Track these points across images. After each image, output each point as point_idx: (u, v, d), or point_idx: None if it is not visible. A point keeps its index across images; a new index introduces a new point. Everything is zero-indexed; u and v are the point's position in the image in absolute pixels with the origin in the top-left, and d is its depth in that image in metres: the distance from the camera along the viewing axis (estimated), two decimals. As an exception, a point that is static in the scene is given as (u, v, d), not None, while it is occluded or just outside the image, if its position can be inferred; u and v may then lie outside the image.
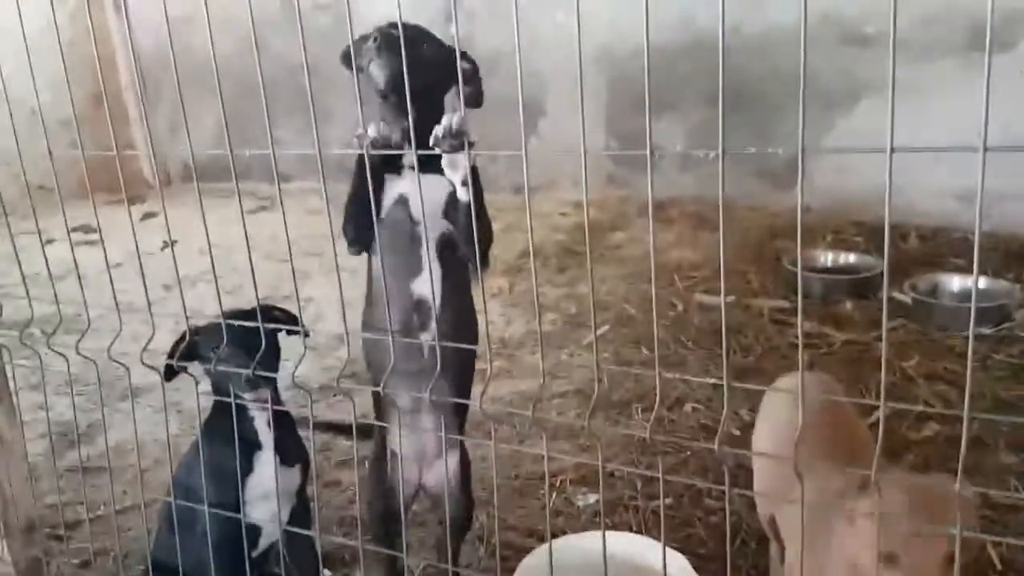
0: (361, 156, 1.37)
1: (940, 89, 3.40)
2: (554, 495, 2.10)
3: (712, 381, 2.44)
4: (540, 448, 2.31)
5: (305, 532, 1.50)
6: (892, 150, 0.77)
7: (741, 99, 3.89)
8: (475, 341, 1.50)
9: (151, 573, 1.52)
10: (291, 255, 1.17)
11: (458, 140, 1.29)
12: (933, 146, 0.80)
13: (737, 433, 2.30)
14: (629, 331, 3.05)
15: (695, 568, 1.52)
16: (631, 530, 1.92)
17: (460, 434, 1.55)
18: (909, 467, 2.00)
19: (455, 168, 1.37)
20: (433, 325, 1.44)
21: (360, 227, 1.40)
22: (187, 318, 1.30)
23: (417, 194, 1.41)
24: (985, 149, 0.71)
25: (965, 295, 2.93)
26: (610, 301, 3.32)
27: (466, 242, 1.42)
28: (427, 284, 1.44)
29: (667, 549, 1.46)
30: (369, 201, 1.13)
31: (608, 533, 1.53)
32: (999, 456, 2.10)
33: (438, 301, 1.45)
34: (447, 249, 1.46)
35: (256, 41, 1.06)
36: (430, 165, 1.35)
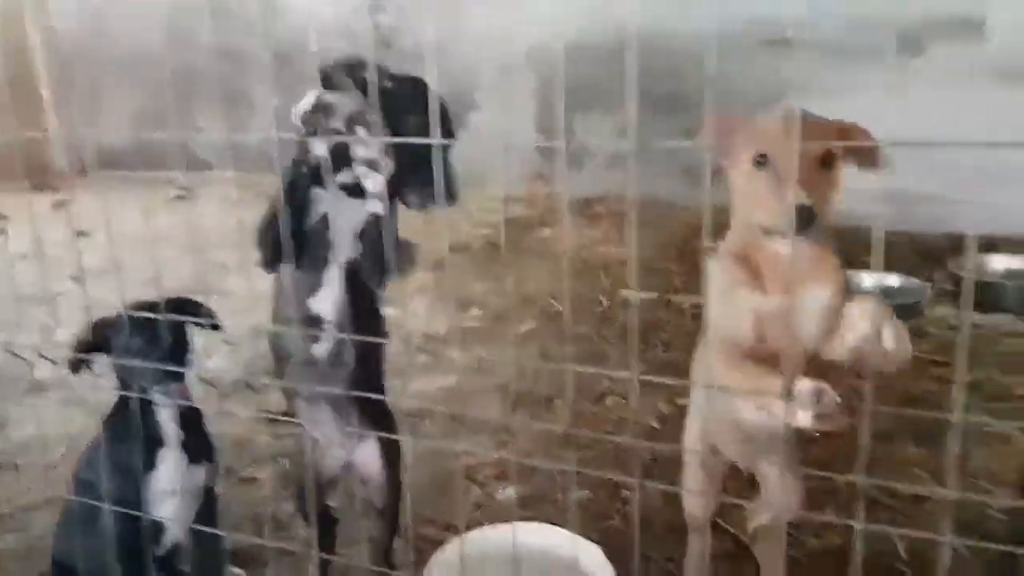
0: (290, 169, 1.39)
1: (866, 92, 3.51)
2: (474, 489, 2.11)
3: (625, 375, 2.47)
4: (463, 444, 2.33)
5: (211, 531, 1.46)
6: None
7: (675, 101, 3.95)
8: (377, 355, 1.50)
9: (52, 572, 1.47)
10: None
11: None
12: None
13: (656, 427, 2.35)
14: (555, 327, 3.08)
15: (611, 560, 1.54)
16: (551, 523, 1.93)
17: (379, 423, 1.54)
18: (815, 462, 2.07)
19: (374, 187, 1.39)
20: (327, 340, 1.45)
21: (277, 247, 1.38)
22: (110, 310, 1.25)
23: (339, 214, 1.42)
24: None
25: (879, 293, 3.03)
26: (537, 297, 3.33)
27: (372, 266, 1.42)
28: (325, 302, 1.45)
29: (582, 541, 1.48)
30: (292, 220, 1.14)
31: (524, 525, 1.54)
32: (906, 449, 2.18)
33: (335, 319, 1.46)
34: (356, 271, 1.47)
35: (178, 28, 1.03)
36: (357, 189, 1.38)
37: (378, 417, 1.53)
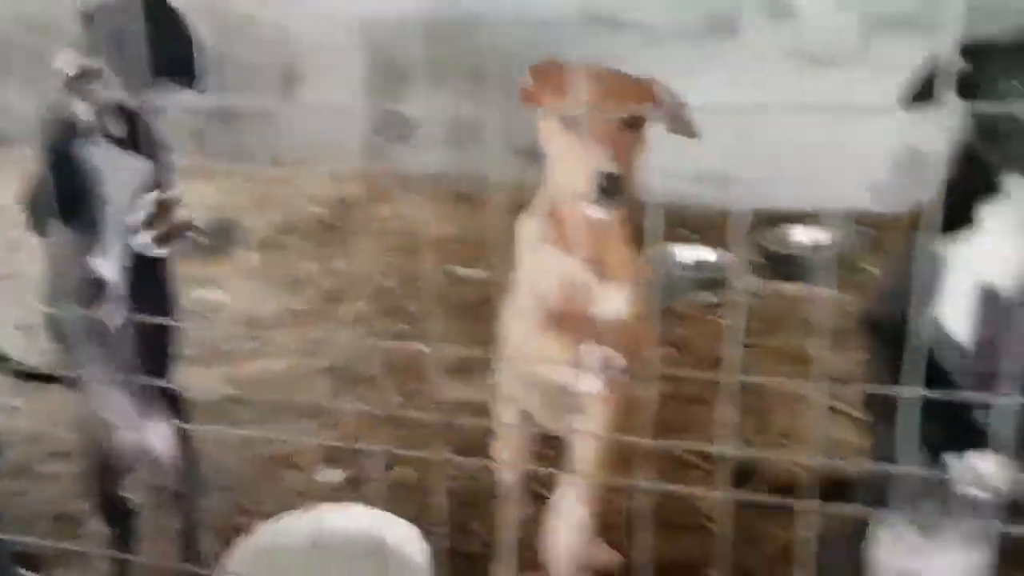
0: (50, 125, 1.28)
1: (684, 72, 3.65)
2: (295, 475, 2.06)
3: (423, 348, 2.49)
4: (286, 429, 2.27)
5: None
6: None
7: (506, 79, 3.97)
8: (162, 331, 1.43)
9: None
10: None
11: None
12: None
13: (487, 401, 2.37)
14: (387, 305, 3.04)
15: (433, 537, 1.54)
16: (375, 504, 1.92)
17: (169, 404, 1.46)
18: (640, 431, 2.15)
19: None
20: (111, 305, 1.36)
21: (42, 208, 1.28)
22: None
23: (111, 170, 1.32)
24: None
25: (690, 266, 3.20)
26: (369, 275, 3.28)
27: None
28: (107, 265, 1.37)
29: (396, 520, 1.47)
30: (59, 179, 1.05)
31: (333, 508, 1.52)
32: (714, 412, 2.31)
33: (121, 282, 1.38)
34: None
35: None
36: (129, 141, 1.28)
37: (167, 398, 1.46)
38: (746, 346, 2.67)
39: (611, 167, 1.15)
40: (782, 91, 3.46)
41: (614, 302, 1.31)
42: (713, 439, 2.18)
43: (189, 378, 2.54)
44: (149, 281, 1.40)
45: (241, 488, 2.00)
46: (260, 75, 4.45)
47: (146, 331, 1.33)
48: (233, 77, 4.41)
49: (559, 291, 1.30)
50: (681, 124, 1.30)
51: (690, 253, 3.23)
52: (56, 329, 1.42)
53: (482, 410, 2.31)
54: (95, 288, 1.36)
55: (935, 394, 0.91)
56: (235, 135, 4.64)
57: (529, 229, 1.36)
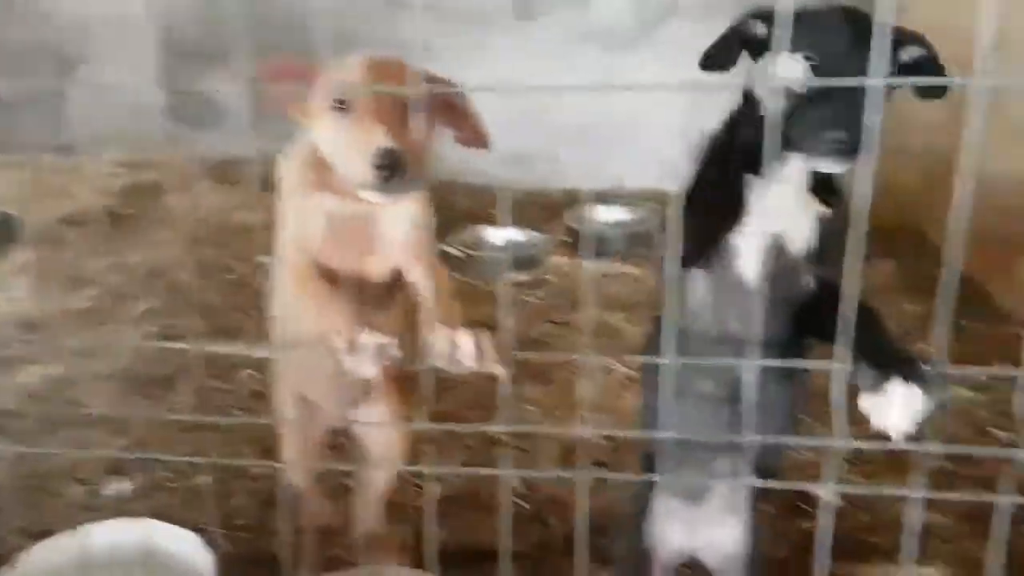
0: None
1: (483, 55, 3.66)
2: (77, 489, 1.90)
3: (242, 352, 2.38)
4: (68, 440, 2.08)
5: None
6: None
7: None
8: None
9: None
10: None
11: None
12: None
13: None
14: (183, 300, 2.86)
15: (229, 540, 1.46)
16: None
17: None
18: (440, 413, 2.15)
19: None
20: None
21: None
22: None
23: None
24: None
25: (502, 247, 3.23)
26: (164, 269, 3.08)
27: None
28: None
29: (177, 530, 1.38)
30: None
31: (111, 523, 1.41)
32: (524, 390, 2.34)
33: None
34: None
35: None
36: None
37: None
38: (554, 323, 2.74)
39: (388, 142, 1.08)
40: (578, 71, 3.55)
41: (399, 222, 1.25)
42: (519, 418, 2.22)
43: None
44: None
45: (16, 508, 1.81)
46: (35, 58, 4.07)
47: None
48: (5, 58, 4.02)
49: (332, 237, 1.22)
50: (472, 134, 1.25)
51: (501, 234, 3.25)
52: None
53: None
54: None
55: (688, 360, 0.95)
56: (13, 123, 4.21)
57: (291, 173, 1.26)
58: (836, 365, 0.96)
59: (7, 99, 4.23)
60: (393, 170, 1.09)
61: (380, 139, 1.08)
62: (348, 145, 1.13)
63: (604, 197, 3.51)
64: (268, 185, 1.31)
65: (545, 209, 3.53)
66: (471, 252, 3.08)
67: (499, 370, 1.09)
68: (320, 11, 3.68)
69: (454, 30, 3.68)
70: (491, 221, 3.46)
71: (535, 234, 3.25)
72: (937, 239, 3.08)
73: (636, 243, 3.18)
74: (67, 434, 2.13)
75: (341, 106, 1.14)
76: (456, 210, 3.60)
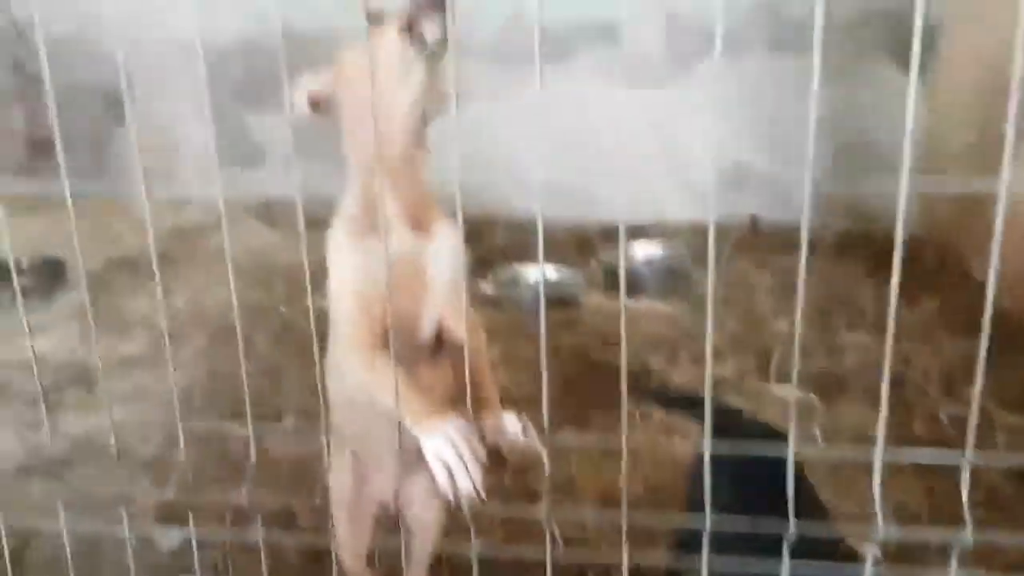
0: None
1: (522, 92, 3.70)
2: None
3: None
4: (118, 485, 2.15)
5: None
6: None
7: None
8: None
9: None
10: None
11: None
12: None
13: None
14: (232, 341, 2.94)
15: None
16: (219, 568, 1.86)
17: None
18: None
19: None
20: None
21: None
22: None
23: None
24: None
25: (536, 285, 3.25)
26: (211, 310, 3.16)
27: None
28: None
29: None
30: None
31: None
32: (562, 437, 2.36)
33: None
34: None
35: None
36: None
37: None
38: (591, 364, 2.76)
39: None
40: (609, 105, 3.58)
41: (443, 260, 1.29)
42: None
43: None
44: None
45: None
46: (87, 99, 4.22)
47: None
48: (57, 101, 4.15)
49: (383, 286, 1.25)
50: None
51: (536, 272, 3.29)
52: None
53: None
54: None
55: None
56: (59, 163, 4.36)
57: (344, 235, 1.30)
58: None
59: (54, 138, 4.38)
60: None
61: None
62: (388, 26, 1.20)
63: (640, 232, 3.53)
64: (311, 225, 1.35)
65: (580, 245, 3.55)
66: (506, 291, 3.12)
67: (541, 450, 1.12)
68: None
69: (494, 70, 3.74)
70: (526, 258, 3.50)
71: (570, 271, 3.28)
72: (980, 276, 3.05)
73: (671, 280, 3.20)
74: (117, 481, 2.20)
75: (376, 18, 1.23)
76: (490, 246, 3.65)
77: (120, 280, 3.40)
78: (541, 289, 1.02)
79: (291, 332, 3.01)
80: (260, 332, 2.99)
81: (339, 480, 1.47)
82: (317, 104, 1.27)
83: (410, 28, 1.19)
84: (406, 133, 1.26)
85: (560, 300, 3.13)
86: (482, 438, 1.14)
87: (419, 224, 1.29)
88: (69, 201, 1.02)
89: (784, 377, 2.60)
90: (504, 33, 3.79)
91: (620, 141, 3.44)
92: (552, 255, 3.35)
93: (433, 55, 1.22)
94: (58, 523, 1.19)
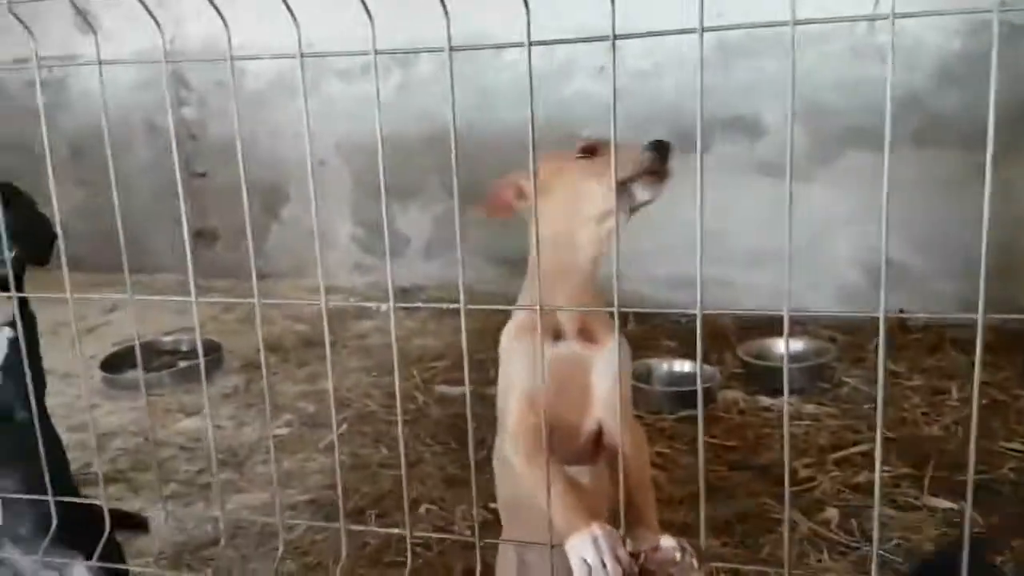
0: None
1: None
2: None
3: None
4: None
5: None
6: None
7: (478, 191, 4.05)
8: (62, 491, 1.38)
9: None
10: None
11: None
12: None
13: (470, 536, 2.33)
14: (370, 429, 3.02)
15: None
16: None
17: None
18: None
19: None
20: None
21: None
22: None
23: None
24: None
25: (673, 379, 3.20)
26: (351, 396, 3.27)
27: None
28: None
29: None
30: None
31: None
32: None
33: None
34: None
35: None
36: None
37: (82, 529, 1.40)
38: (731, 467, 2.66)
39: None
40: (750, 202, 3.54)
41: (608, 367, 1.30)
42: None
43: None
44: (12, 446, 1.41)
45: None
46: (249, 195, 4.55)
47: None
48: (221, 195, 4.50)
49: (552, 389, 1.25)
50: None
51: (670, 367, 3.24)
52: None
53: (466, 547, 2.26)
54: None
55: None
56: (219, 253, 4.70)
57: (515, 340, 1.36)
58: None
59: (219, 232, 4.73)
60: (667, 152, 1.19)
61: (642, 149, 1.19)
62: (605, 168, 1.17)
63: (780, 328, 3.43)
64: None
65: (716, 338, 3.48)
66: (640, 385, 3.08)
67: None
68: (492, 145, 3.89)
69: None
70: (657, 351, 3.45)
71: (706, 367, 3.21)
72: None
73: (815, 378, 3.08)
74: (265, 564, 2.27)
75: (588, 153, 1.26)
76: (630, 338, 3.63)
77: (272, 364, 3.57)
78: (698, 386, 1.00)
79: (427, 419, 3.06)
80: (394, 419, 3.06)
81: (503, 569, 1.47)
82: (517, 201, 1.33)
83: (624, 183, 1.22)
84: (588, 250, 1.31)
85: (694, 395, 3.05)
86: (635, 555, 1.11)
87: (588, 335, 1.32)
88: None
89: (938, 486, 2.43)
90: (644, 123, 3.85)
91: (759, 231, 3.38)
92: (686, 349, 3.30)
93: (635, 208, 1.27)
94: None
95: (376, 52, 0.98)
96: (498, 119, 3.91)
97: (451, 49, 0.94)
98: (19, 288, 1.53)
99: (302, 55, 1.02)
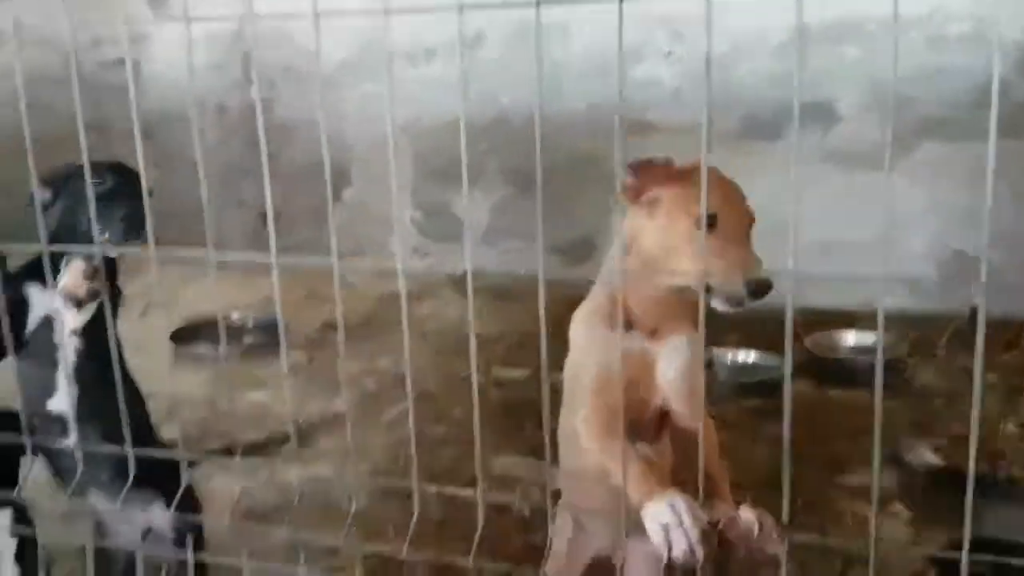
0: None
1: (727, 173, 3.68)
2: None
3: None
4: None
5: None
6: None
7: (545, 175, 4.04)
8: (143, 441, 1.45)
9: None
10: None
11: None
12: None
13: (527, 516, 2.33)
14: (429, 408, 3.04)
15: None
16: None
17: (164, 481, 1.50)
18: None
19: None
20: (73, 435, 1.49)
21: None
22: None
23: (63, 316, 1.45)
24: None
25: (735, 370, 3.16)
26: (412, 374, 3.29)
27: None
28: (63, 402, 1.51)
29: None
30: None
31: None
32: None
33: (75, 414, 1.49)
34: (87, 367, 1.52)
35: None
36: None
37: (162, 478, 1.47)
38: (797, 456, 2.60)
39: (762, 273, 1.13)
40: (818, 188, 3.47)
41: (671, 366, 1.32)
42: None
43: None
44: (104, 413, 1.45)
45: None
46: (307, 177, 4.61)
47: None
48: (284, 177, 4.57)
49: (629, 371, 1.27)
50: None
51: (734, 356, 3.20)
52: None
53: (524, 525, 2.27)
54: (57, 424, 1.51)
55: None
56: (287, 233, 4.77)
57: (586, 328, 1.38)
58: None
59: (285, 212, 4.80)
60: (762, 296, 1.16)
61: (754, 267, 1.17)
62: (717, 262, 1.19)
63: (850, 320, 3.35)
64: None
65: (782, 330, 3.41)
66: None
67: (779, 549, 1.07)
68: (556, 130, 3.89)
69: (694, 148, 3.74)
70: (722, 342, 3.40)
71: (771, 357, 3.15)
72: None
73: (884, 371, 3.00)
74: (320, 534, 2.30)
75: (709, 223, 1.20)
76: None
77: (333, 341, 3.62)
78: (787, 375, 0.98)
79: (482, 400, 3.06)
80: (453, 398, 3.08)
81: (558, 544, 1.50)
82: (634, 195, 1.31)
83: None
84: (676, 276, 1.31)
85: (760, 386, 3.01)
86: (712, 524, 1.10)
87: (655, 333, 1.35)
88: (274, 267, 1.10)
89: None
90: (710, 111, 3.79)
91: (829, 223, 3.31)
92: (753, 340, 3.25)
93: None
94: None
95: (461, 8, 0.97)
96: (564, 105, 3.88)
97: (538, 4, 0.94)
98: (112, 266, 1.60)
99: (386, 11, 1.02)
